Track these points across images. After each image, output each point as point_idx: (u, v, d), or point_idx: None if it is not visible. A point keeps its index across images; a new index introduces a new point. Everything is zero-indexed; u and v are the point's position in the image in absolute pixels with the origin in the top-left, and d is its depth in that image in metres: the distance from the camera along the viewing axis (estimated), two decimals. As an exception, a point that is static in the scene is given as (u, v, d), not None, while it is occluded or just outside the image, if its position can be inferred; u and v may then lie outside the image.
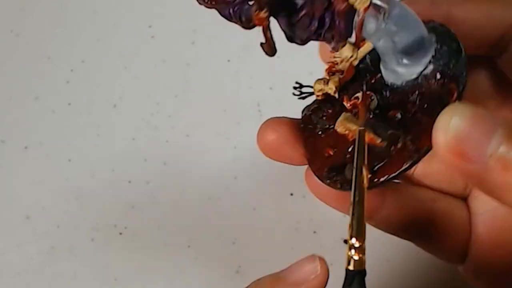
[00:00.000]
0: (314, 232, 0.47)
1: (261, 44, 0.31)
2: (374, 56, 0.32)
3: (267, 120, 0.34)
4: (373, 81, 0.32)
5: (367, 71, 0.33)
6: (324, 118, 0.33)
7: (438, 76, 0.30)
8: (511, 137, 0.26)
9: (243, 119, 0.50)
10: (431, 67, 0.30)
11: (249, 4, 0.29)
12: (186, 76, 0.52)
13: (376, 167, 0.30)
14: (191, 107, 0.51)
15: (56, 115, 0.51)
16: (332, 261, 0.48)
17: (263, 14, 0.27)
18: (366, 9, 0.28)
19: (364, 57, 0.33)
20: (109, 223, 0.49)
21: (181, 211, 0.49)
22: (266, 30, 0.29)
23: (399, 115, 0.31)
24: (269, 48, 0.30)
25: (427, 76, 0.30)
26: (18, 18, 0.54)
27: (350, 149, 0.31)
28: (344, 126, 0.31)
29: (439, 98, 0.30)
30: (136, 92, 0.51)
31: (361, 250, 0.26)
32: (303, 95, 0.35)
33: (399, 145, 0.30)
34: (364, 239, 0.26)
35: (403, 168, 0.30)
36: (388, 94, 0.32)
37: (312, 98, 0.34)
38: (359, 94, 0.32)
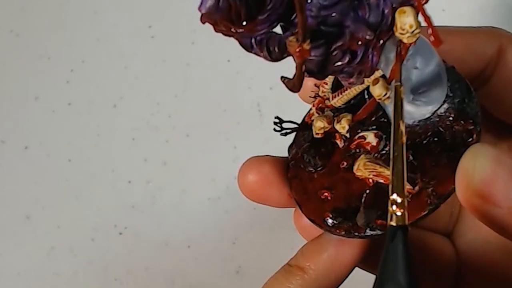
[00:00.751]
0: (314, 232, 0.47)
1: (285, 79, 0.27)
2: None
3: (248, 160, 0.32)
4: (373, 119, 0.30)
5: (361, 100, 0.31)
6: (317, 157, 0.31)
7: (454, 115, 0.29)
8: None
9: (243, 119, 0.50)
10: (445, 106, 0.29)
11: (277, 34, 0.25)
12: (186, 76, 0.52)
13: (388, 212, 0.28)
14: (191, 107, 0.51)
15: (56, 115, 0.51)
16: (332, 261, 0.48)
17: (306, 45, 0.24)
18: (412, 44, 0.25)
19: (361, 92, 0.30)
20: (109, 223, 0.49)
21: (181, 211, 0.49)
22: (302, 64, 0.25)
23: (410, 157, 0.28)
24: (298, 84, 0.26)
25: (441, 116, 0.29)
26: (18, 18, 0.54)
27: (364, 196, 0.29)
28: (370, 168, 0.29)
29: (457, 138, 0.28)
30: (136, 92, 0.51)
31: (402, 205, 0.24)
32: (285, 131, 0.33)
33: (416, 189, 0.28)
34: (405, 195, 0.25)
35: (422, 215, 0.28)
36: None
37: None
38: (367, 134, 0.30)
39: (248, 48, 0.27)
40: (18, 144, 0.51)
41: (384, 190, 0.27)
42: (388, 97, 0.26)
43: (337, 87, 0.31)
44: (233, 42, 0.54)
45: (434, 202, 0.27)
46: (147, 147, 0.50)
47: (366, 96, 0.30)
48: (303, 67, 0.25)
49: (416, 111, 0.29)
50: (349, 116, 0.30)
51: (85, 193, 0.50)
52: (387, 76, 0.27)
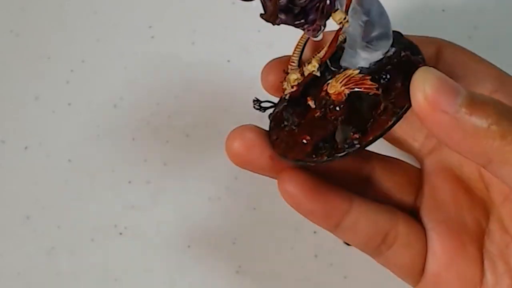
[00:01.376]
0: (314, 232, 0.47)
1: (262, 14, 0.32)
2: (333, 57, 0.35)
3: (232, 130, 0.36)
4: (336, 76, 0.35)
5: (326, 72, 0.35)
6: (294, 115, 0.35)
7: (403, 53, 0.34)
8: (470, 91, 0.31)
9: (243, 119, 0.50)
10: (393, 49, 0.34)
11: None
12: (186, 76, 0.52)
13: (363, 129, 0.33)
14: (191, 107, 0.51)
15: (56, 115, 0.51)
16: (332, 261, 0.48)
17: None
18: None
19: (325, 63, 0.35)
20: (109, 223, 0.49)
21: (181, 211, 0.49)
22: None
23: (375, 90, 0.34)
24: (273, 12, 0.31)
25: (391, 57, 0.34)
26: (18, 18, 0.54)
27: (340, 109, 0.34)
28: (339, 79, 0.33)
29: (408, 65, 0.33)
30: (136, 92, 0.51)
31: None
32: (264, 106, 0.37)
33: (382, 106, 0.33)
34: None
35: (389, 125, 0.33)
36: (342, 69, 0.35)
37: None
38: (332, 81, 0.34)
39: None
40: (18, 144, 0.51)
41: (354, 107, 0.33)
42: (347, 21, 0.32)
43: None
44: (233, 42, 0.54)
45: (396, 113, 0.33)
46: (147, 147, 0.50)
47: (328, 62, 0.35)
48: None
49: (369, 55, 0.34)
50: (318, 57, 0.35)
51: (85, 193, 0.50)
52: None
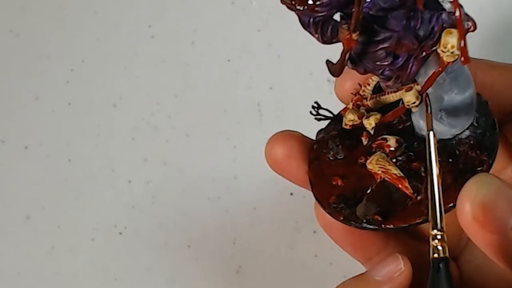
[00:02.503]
0: (314, 232, 0.47)
1: (329, 62, 0.29)
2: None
3: (277, 133, 0.34)
4: (400, 127, 0.33)
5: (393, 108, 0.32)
6: (340, 147, 0.33)
7: (472, 143, 0.31)
8: None
9: (243, 119, 0.50)
10: (467, 132, 0.31)
11: (334, 20, 0.28)
12: (186, 76, 0.52)
13: (387, 213, 0.31)
14: (191, 107, 0.51)
15: (56, 115, 0.51)
16: (332, 261, 0.48)
17: (355, 36, 0.26)
18: (449, 64, 0.28)
19: (397, 102, 0.32)
20: (109, 223, 0.49)
21: (181, 211, 0.49)
22: (347, 52, 0.27)
23: (422, 169, 0.31)
24: (340, 69, 0.29)
25: (461, 141, 0.31)
26: (18, 18, 0.54)
27: (370, 190, 0.31)
28: (381, 164, 0.31)
29: (469, 165, 0.30)
30: (136, 92, 0.51)
31: (443, 240, 0.28)
32: (319, 116, 0.35)
33: (418, 198, 0.30)
34: (444, 230, 0.28)
35: (415, 222, 0.30)
36: (416, 145, 0.32)
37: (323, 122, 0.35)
38: (389, 138, 0.32)
39: (305, 25, 0.28)
40: (18, 144, 0.51)
41: (388, 189, 0.31)
42: (416, 106, 0.29)
43: (377, 92, 0.32)
44: (233, 42, 0.54)
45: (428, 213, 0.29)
46: (147, 147, 0.50)
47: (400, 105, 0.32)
48: (347, 55, 0.27)
49: (440, 129, 0.31)
50: (378, 116, 0.31)
51: (85, 193, 0.50)
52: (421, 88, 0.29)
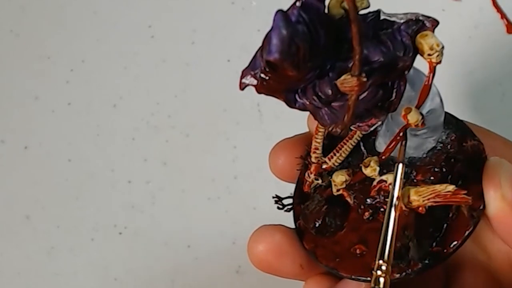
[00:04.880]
0: (314, 232, 0.47)
1: (334, 126, 0.27)
2: (366, 141, 0.32)
3: (258, 228, 0.32)
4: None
5: (356, 155, 0.32)
6: (336, 218, 0.31)
7: (455, 137, 0.31)
8: None
9: (243, 119, 0.50)
10: (444, 133, 0.31)
11: (318, 80, 0.26)
12: (186, 76, 0.52)
13: (439, 238, 0.29)
14: (191, 107, 0.51)
15: (56, 115, 0.51)
16: (332, 261, 0.48)
17: (363, 78, 0.24)
18: (439, 63, 0.27)
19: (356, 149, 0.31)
20: (109, 223, 0.49)
21: (181, 211, 0.49)
22: (357, 98, 0.25)
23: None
24: (349, 123, 0.26)
25: (444, 142, 0.31)
26: (18, 18, 0.54)
27: (408, 230, 0.29)
28: (427, 192, 0.28)
29: (471, 154, 0.30)
30: (136, 92, 0.51)
31: (387, 271, 0.27)
32: (288, 207, 0.33)
33: (453, 209, 0.29)
34: (389, 263, 0.27)
35: (469, 231, 0.29)
36: (409, 170, 0.30)
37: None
38: (387, 177, 0.29)
39: (292, 103, 0.27)
40: (18, 144, 0.51)
41: (430, 216, 0.28)
42: (424, 123, 0.27)
43: (326, 151, 0.31)
44: (233, 42, 0.54)
45: (475, 216, 0.29)
46: (147, 147, 0.50)
47: (363, 148, 0.31)
48: (356, 102, 0.25)
49: (422, 143, 0.30)
50: (376, 158, 0.30)
51: (85, 193, 0.50)
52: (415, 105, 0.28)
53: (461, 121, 0.31)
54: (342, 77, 0.25)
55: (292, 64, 0.24)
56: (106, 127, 0.51)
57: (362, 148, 0.31)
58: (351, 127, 0.28)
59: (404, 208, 0.28)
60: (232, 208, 0.49)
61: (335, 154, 0.31)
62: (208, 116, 0.50)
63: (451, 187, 0.28)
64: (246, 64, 0.48)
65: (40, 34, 0.53)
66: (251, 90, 0.54)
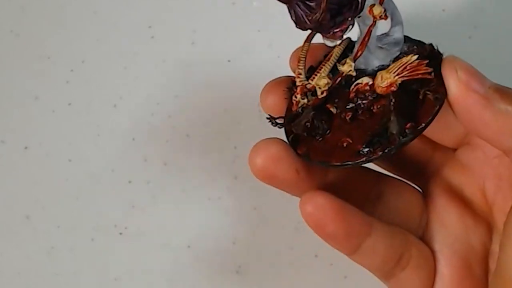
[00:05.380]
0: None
1: (310, 15, 0.32)
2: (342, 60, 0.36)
3: (256, 143, 0.35)
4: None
5: (335, 74, 0.36)
6: (323, 122, 0.35)
7: (414, 46, 0.35)
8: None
9: (243, 119, 0.50)
10: (406, 45, 0.36)
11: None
12: (186, 76, 0.52)
13: (415, 116, 0.33)
14: (191, 107, 0.51)
15: (56, 115, 0.51)
16: (332, 261, 0.48)
17: None
18: None
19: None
20: (109, 223, 0.49)
21: (181, 211, 0.49)
22: None
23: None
24: (326, 6, 0.32)
25: (407, 51, 0.35)
26: (18, 18, 0.54)
27: (392, 101, 0.34)
28: (395, 68, 0.34)
29: (431, 57, 0.34)
30: (136, 92, 0.51)
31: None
32: (280, 123, 0.37)
33: (421, 95, 0.34)
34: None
35: (436, 110, 0.33)
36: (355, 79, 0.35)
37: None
38: (361, 79, 0.35)
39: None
40: (18, 144, 0.51)
41: (403, 98, 0.34)
42: (386, 15, 0.33)
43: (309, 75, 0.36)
44: (233, 42, 0.54)
45: (439, 98, 0.33)
46: (147, 147, 0.50)
47: (340, 67, 0.35)
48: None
49: (388, 53, 0.35)
50: (350, 56, 0.35)
51: (85, 193, 0.50)
52: None
53: (420, 40, 0.36)
54: None
55: None
56: (106, 127, 0.51)
57: (340, 67, 0.35)
58: (327, 40, 0.34)
59: (379, 90, 0.34)
60: (232, 208, 0.49)
61: (316, 75, 0.35)
62: (208, 116, 0.50)
63: (414, 57, 0.33)
64: (246, 64, 0.48)
65: (40, 34, 0.53)
66: (251, 90, 0.54)
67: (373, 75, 0.35)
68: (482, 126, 0.33)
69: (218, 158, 0.49)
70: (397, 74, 0.34)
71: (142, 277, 0.48)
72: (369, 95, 0.34)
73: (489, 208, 0.37)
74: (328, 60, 0.36)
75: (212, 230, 0.48)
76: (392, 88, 0.34)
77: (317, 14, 0.32)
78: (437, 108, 0.33)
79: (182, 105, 0.51)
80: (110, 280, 0.48)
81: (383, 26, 0.34)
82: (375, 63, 0.35)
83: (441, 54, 0.35)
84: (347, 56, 0.36)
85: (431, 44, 0.35)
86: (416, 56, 0.34)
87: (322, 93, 0.35)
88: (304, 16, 0.32)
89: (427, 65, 0.34)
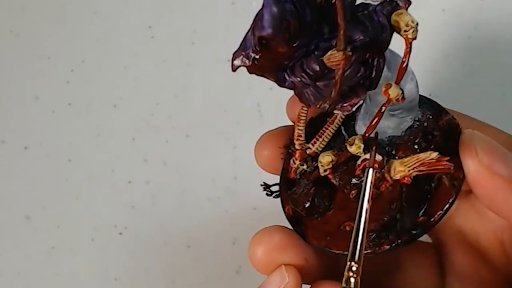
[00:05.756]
0: (314, 232, 0.47)
1: (321, 103, 0.28)
2: (347, 124, 0.33)
3: (258, 231, 0.33)
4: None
5: (338, 140, 0.33)
6: (324, 199, 0.32)
7: (431, 115, 0.32)
8: None
9: (243, 119, 0.50)
10: (420, 112, 0.32)
11: (305, 57, 0.27)
12: (186, 76, 0.52)
13: (424, 208, 0.30)
14: (191, 107, 0.51)
15: (56, 115, 0.51)
16: (332, 261, 0.48)
17: (348, 52, 0.26)
18: (414, 39, 0.28)
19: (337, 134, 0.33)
20: (109, 223, 0.49)
21: (181, 211, 0.49)
22: (343, 72, 0.26)
23: (415, 148, 0.31)
24: (337, 97, 0.27)
25: (421, 120, 0.32)
26: (18, 18, 0.54)
27: (403, 193, 0.30)
28: (411, 162, 0.30)
29: (447, 130, 0.31)
30: (136, 92, 0.51)
31: (357, 272, 0.28)
32: (276, 193, 0.34)
33: (435, 179, 0.30)
34: (361, 264, 0.28)
35: (451, 200, 0.30)
36: (390, 148, 0.32)
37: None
38: (367, 156, 0.31)
39: (282, 82, 0.28)
40: (18, 144, 0.51)
41: (415, 188, 0.30)
42: (404, 97, 0.29)
43: (308, 138, 0.33)
44: (233, 42, 0.54)
45: (456, 185, 0.30)
46: (147, 147, 0.50)
47: (344, 132, 0.33)
48: (342, 77, 0.26)
49: (400, 122, 0.32)
50: (360, 136, 0.31)
51: (85, 193, 0.50)
52: (394, 81, 0.29)
53: (434, 101, 0.33)
54: (329, 53, 0.26)
55: (284, 39, 0.25)
56: (106, 127, 0.51)
57: (344, 132, 0.33)
58: (335, 110, 0.29)
59: (390, 181, 0.30)
60: (232, 208, 0.49)
61: (318, 140, 0.32)
62: (208, 116, 0.50)
63: (434, 154, 0.29)
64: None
65: (40, 34, 0.53)
66: (251, 90, 0.54)
67: (381, 148, 0.31)
68: (508, 209, 0.30)
69: (218, 158, 0.49)
70: (413, 169, 0.30)
71: (142, 277, 0.48)
72: (377, 171, 0.30)
73: (507, 259, 0.34)
74: (331, 123, 0.32)
75: (212, 230, 0.48)
76: (405, 181, 0.30)
77: (326, 105, 0.28)
78: (453, 197, 0.30)
79: (182, 105, 0.51)
80: (110, 280, 0.48)
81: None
82: (386, 131, 0.32)
83: (458, 128, 0.31)
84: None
85: (447, 113, 0.32)
86: (436, 154, 0.29)
87: (325, 171, 0.32)
88: (313, 99, 0.28)
89: (415, 148, 0.30)
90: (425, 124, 0.32)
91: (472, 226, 0.35)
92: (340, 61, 0.26)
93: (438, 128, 0.31)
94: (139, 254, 0.48)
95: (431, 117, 0.32)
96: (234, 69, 0.27)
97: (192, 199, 0.49)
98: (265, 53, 0.26)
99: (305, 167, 0.33)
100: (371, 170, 0.29)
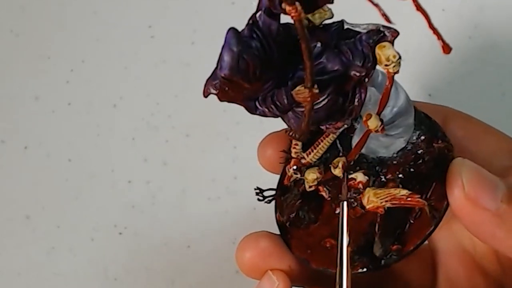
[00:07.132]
0: (314, 232, 0.47)
1: (289, 131, 0.29)
2: (343, 139, 0.33)
3: (244, 238, 0.34)
4: (351, 163, 0.32)
5: (333, 152, 0.33)
6: (310, 212, 0.33)
7: (425, 138, 0.32)
8: (508, 183, 0.29)
9: (243, 119, 0.50)
10: (415, 134, 0.32)
11: (276, 89, 0.27)
12: (186, 76, 0.52)
13: (402, 238, 0.30)
14: (191, 107, 0.51)
15: (56, 115, 0.51)
16: (332, 261, 0.48)
17: (315, 90, 0.26)
18: (396, 73, 0.27)
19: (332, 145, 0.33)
20: (109, 223, 0.49)
21: (181, 212, 0.49)
22: (311, 110, 0.26)
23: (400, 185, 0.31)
24: (307, 130, 0.28)
25: (415, 143, 0.32)
26: (18, 18, 0.54)
27: (377, 222, 0.31)
28: (383, 195, 0.30)
29: (438, 155, 0.31)
30: (136, 92, 0.51)
31: None
32: (269, 198, 0.35)
33: (417, 209, 0.30)
34: None
35: (429, 231, 0.30)
36: (380, 168, 0.32)
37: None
38: (356, 175, 0.31)
39: (252, 110, 0.29)
40: (18, 144, 0.51)
41: (394, 215, 0.30)
42: (383, 128, 0.28)
43: (306, 146, 0.33)
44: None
45: (436, 216, 0.30)
46: (147, 147, 0.50)
47: (339, 146, 0.33)
48: (312, 112, 0.27)
49: (392, 143, 0.32)
50: (343, 159, 0.31)
51: (85, 193, 0.50)
52: (376, 111, 0.29)
53: (435, 122, 0.32)
54: (297, 88, 0.26)
55: (243, 79, 0.26)
56: (106, 127, 0.51)
57: (339, 145, 0.33)
58: (321, 127, 0.29)
59: (362, 210, 0.30)
60: (232, 208, 0.49)
61: (312, 151, 0.32)
62: (208, 116, 0.50)
63: (404, 191, 0.29)
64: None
65: (40, 34, 0.53)
66: (251, 90, 0.53)
67: (370, 167, 0.32)
68: (494, 241, 0.29)
69: (218, 158, 0.49)
70: (385, 201, 0.30)
71: (142, 277, 0.48)
72: (362, 192, 0.31)
73: (502, 268, 0.34)
74: (327, 136, 0.32)
75: (212, 230, 0.48)
76: (379, 211, 0.30)
77: (296, 135, 0.29)
78: (431, 228, 0.30)
79: (182, 105, 0.51)
80: (110, 280, 0.48)
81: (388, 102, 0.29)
82: (378, 151, 0.32)
83: (450, 153, 0.31)
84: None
85: (444, 137, 0.32)
86: (405, 191, 0.29)
87: (310, 187, 0.32)
88: (293, 122, 0.28)
89: (401, 173, 0.30)
90: (418, 147, 0.32)
91: (469, 234, 0.34)
92: (306, 98, 0.26)
93: (430, 153, 0.31)
94: (139, 254, 0.48)
95: (425, 140, 0.32)
96: (206, 95, 0.28)
97: (192, 199, 0.49)
98: (231, 86, 0.27)
99: (298, 176, 0.33)
100: (345, 203, 0.30)
